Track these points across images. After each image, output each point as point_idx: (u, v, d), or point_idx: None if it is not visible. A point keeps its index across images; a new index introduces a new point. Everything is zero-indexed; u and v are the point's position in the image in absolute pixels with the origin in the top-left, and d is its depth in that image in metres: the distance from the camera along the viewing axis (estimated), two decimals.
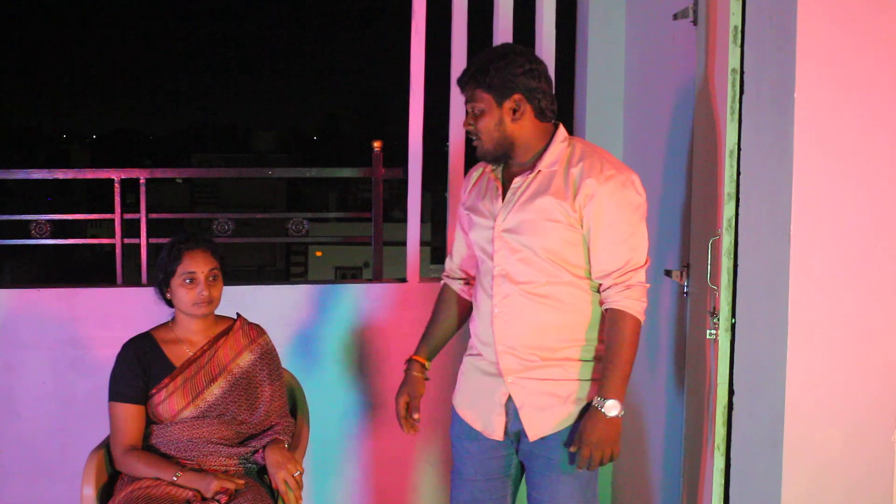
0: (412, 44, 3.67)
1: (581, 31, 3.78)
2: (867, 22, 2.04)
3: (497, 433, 2.47)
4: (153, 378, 2.77)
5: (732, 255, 2.30)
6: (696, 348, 2.73)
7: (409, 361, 2.63)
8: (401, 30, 3.76)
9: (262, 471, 2.77)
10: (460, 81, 2.42)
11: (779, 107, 2.11)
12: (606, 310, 2.37)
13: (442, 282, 2.72)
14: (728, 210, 2.29)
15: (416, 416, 2.57)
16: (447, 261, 2.71)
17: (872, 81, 2.04)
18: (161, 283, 2.80)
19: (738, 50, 2.28)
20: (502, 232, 2.40)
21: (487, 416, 2.47)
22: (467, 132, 2.44)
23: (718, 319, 2.35)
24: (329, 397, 3.76)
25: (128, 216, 4.07)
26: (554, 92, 2.46)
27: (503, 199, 2.42)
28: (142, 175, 4.06)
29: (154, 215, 4.09)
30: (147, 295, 2.90)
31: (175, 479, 2.63)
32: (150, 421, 2.78)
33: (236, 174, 4.86)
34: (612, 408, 2.30)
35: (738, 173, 2.29)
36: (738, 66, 2.28)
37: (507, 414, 2.44)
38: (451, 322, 2.68)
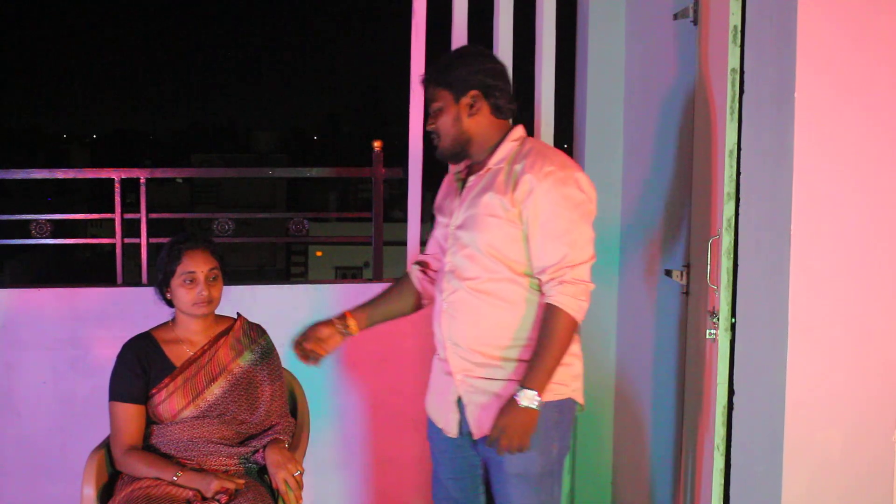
0: (412, 44, 3.67)
1: (581, 31, 3.78)
2: (867, 22, 2.04)
3: (452, 431, 2.50)
4: (153, 378, 2.76)
5: (732, 255, 2.30)
6: (696, 348, 2.73)
7: (341, 314, 2.66)
8: (401, 30, 3.76)
9: (263, 471, 2.77)
10: (423, 83, 2.51)
11: (779, 107, 2.11)
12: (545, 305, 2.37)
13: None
14: (728, 210, 2.29)
15: (313, 360, 2.64)
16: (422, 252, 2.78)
17: (872, 82, 2.04)
18: (161, 283, 2.80)
19: (738, 50, 2.28)
20: (455, 229, 2.45)
21: (445, 414, 2.51)
22: (429, 133, 2.50)
23: (718, 319, 2.35)
24: (329, 397, 3.76)
25: (128, 216, 4.07)
26: (513, 92, 2.49)
27: (460, 197, 2.48)
28: (142, 175, 4.06)
29: (154, 215, 4.09)
30: (147, 295, 2.90)
31: (175, 479, 2.63)
32: (151, 421, 2.78)
33: (236, 174, 4.86)
34: (526, 398, 2.30)
35: (738, 173, 2.29)
36: (738, 66, 2.28)
37: (459, 412, 2.48)
38: (395, 301, 2.70)
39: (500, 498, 2.45)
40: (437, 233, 2.60)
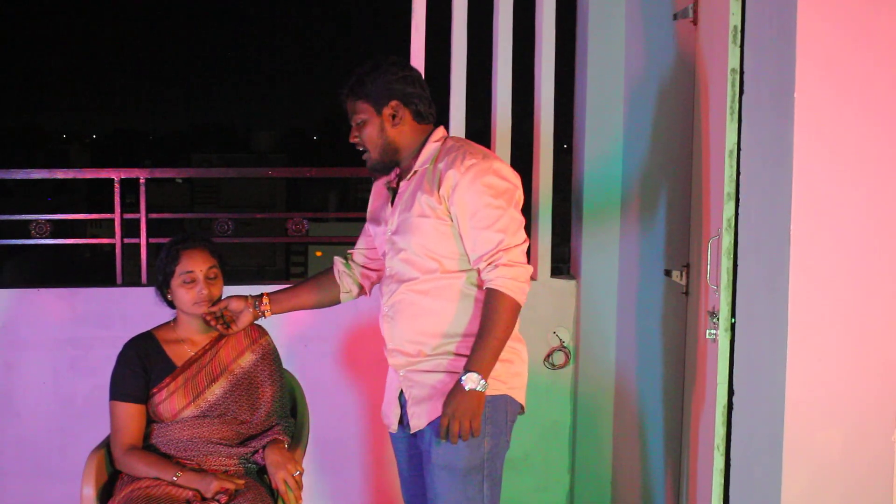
0: (412, 44, 3.67)
1: (581, 31, 3.78)
2: (867, 22, 2.04)
3: (393, 426, 2.60)
4: (154, 377, 2.76)
5: (732, 255, 2.30)
6: (696, 348, 2.73)
7: (258, 297, 2.75)
8: (401, 30, 3.76)
9: (262, 471, 2.77)
10: (341, 97, 2.54)
11: (779, 107, 2.11)
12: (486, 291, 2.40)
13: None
14: (728, 210, 2.29)
15: (216, 309, 2.72)
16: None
17: (872, 81, 2.04)
18: (161, 284, 2.80)
19: (738, 50, 2.28)
20: (391, 235, 2.50)
21: (389, 409, 2.61)
22: (355, 146, 2.53)
23: (718, 319, 2.35)
24: (329, 397, 3.76)
25: (128, 216, 4.06)
26: (429, 96, 2.54)
27: (392, 205, 2.54)
28: (142, 175, 4.05)
29: (154, 215, 4.09)
30: (147, 295, 2.89)
31: (175, 479, 2.63)
32: (151, 420, 2.78)
33: (236, 174, 4.84)
34: (471, 380, 2.34)
35: (738, 173, 2.29)
36: (738, 66, 2.28)
37: (400, 406, 2.56)
38: (312, 292, 2.78)
39: (429, 491, 2.48)
40: (377, 243, 2.63)
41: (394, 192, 2.55)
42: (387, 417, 2.63)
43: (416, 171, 2.48)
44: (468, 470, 2.43)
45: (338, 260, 2.78)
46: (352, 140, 2.53)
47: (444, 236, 2.42)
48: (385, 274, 2.55)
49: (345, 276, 2.76)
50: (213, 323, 2.73)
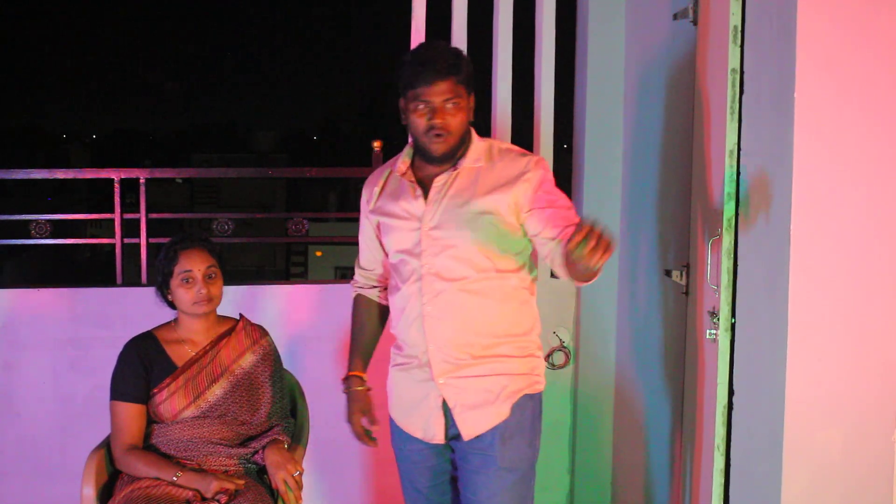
0: (412, 44, 3.67)
1: (581, 31, 3.78)
2: (867, 22, 2.04)
3: (438, 437, 2.45)
4: (155, 377, 2.77)
5: (732, 255, 2.30)
6: (696, 348, 2.73)
7: (349, 378, 2.59)
8: (401, 30, 3.76)
9: (262, 471, 2.77)
10: (437, 74, 2.30)
11: (779, 107, 2.11)
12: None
13: (355, 293, 2.67)
14: (728, 210, 2.29)
15: (375, 427, 2.56)
16: (357, 272, 2.66)
17: (872, 81, 2.05)
18: (161, 285, 2.80)
19: (738, 50, 2.28)
20: (430, 230, 2.38)
21: (426, 421, 2.46)
22: (432, 128, 2.33)
23: (718, 319, 2.35)
24: (329, 397, 3.76)
25: (128, 216, 4.06)
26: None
27: (425, 199, 2.40)
28: (142, 175, 4.05)
29: (154, 215, 4.09)
30: (147, 295, 2.90)
31: (175, 479, 2.63)
32: (151, 420, 2.78)
33: (236, 174, 4.84)
34: None
35: (738, 173, 2.29)
36: (738, 66, 2.28)
37: (444, 416, 2.44)
38: (375, 330, 2.66)
39: (481, 495, 2.41)
40: (392, 238, 2.46)
41: (419, 184, 2.42)
42: (425, 430, 2.47)
43: (463, 167, 2.39)
44: (527, 469, 2.45)
45: (367, 290, 2.64)
46: (440, 122, 2.32)
47: (504, 235, 2.36)
48: (422, 272, 2.39)
49: (377, 293, 2.64)
50: (372, 444, 2.61)
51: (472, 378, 2.40)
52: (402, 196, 2.45)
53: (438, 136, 2.34)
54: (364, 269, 2.63)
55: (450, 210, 2.37)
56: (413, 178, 2.44)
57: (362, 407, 2.57)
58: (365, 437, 2.58)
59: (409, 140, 2.49)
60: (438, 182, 2.40)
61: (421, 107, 2.33)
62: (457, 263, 2.37)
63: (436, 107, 2.33)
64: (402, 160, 2.48)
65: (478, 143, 2.44)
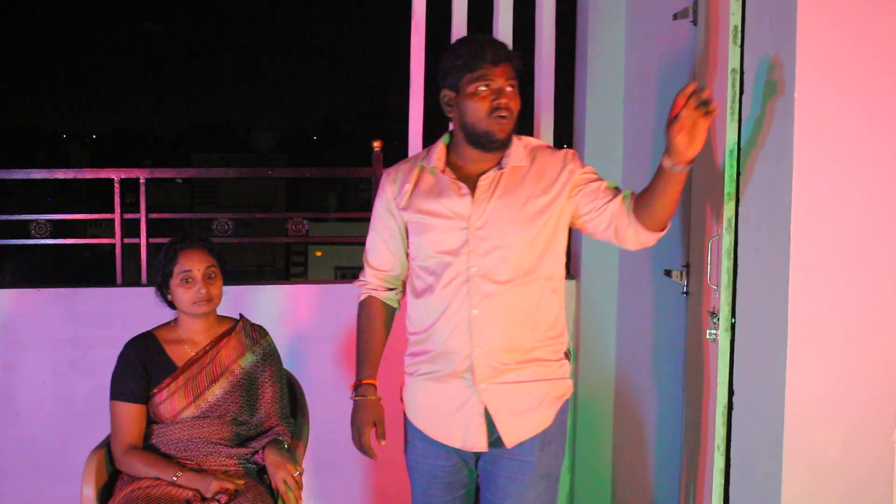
0: (412, 44, 3.67)
1: (581, 31, 3.78)
2: (867, 22, 2.04)
3: (481, 444, 2.35)
4: (155, 377, 2.76)
5: (732, 255, 2.30)
6: (696, 348, 2.73)
7: (362, 387, 2.45)
8: (401, 30, 3.76)
9: (262, 471, 2.77)
10: (500, 55, 2.26)
11: (779, 107, 2.11)
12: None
13: (363, 295, 2.52)
14: (728, 210, 2.29)
15: (382, 442, 2.43)
16: (369, 272, 2.50)
17: (872, 81, 2.04)
18: (160, 285, 2.80)
19: (738, 50, 2.28)
20: (478, 230, 2.30)
21: (466, 430, 2.35)
22: (497, 109, 2.26)
23: (718, 319, 2.35)
24: (329, 397, 3.76)
25: (128, 216, 4.07)
26: None
27: (473, 198, 2.32)
28: (142, 175, 4.06)
29: (154, 215, 4.09)
30: (147, 295, 2.90)
31: (175, 479, 2.63)
32: (151, 420, 2.78)
33: (236, 174, 4.84)
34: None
35: (738, 173, 2.29)
36: (738, 66, 2.28)
37: (486, 423, 2.34)
38: (385, 335, 2.53)
39: (515, 500, 2.37)
40: (431, 238, 2.35)
41: (464, 182, 2.33)
42: (464, 439, 2.35)
43: (508, 167, 2.32)
44: (559, 474, 2.44)
45: (379, 293, 2.50)
46: (505, 102, 2.26)
47: (550, 235, 2.32)
48: (469, 273, 2.30)
49: (392, 296, 2.52)
50: (375, 457, 2.46)
51: (515, 384, 2.33)
52: (443, 194, 2.34)
53: (502, 117, 2.26)
54: (379, 269, 2.49)
55: (498, 210, 2.30)
56: (454, 176, 2.34)
57: (375, 418, 2.44)
58: (371, 449, 2.45)
59: (451, 129, 2.40)
60: (485, 181, 2.32)
61: (483, 89, 2.26)
62: (505, 265, 2.30)
63: (500, 87, 2.27)
64: (436, 156, 2.37)
65: (517, 143, 2.37)
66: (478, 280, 2.30)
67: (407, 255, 2.45)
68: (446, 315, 2.33)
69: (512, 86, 2.28)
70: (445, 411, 2.37)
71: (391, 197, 2.41)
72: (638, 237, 2.28)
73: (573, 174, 2.34)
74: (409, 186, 2.39)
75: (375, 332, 2.51)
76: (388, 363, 2.57)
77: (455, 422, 2.36)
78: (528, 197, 2.31)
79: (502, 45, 2.31)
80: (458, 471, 2.44)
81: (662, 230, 2.27)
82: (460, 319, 2.31)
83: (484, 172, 2.33)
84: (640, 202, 2.25)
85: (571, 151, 2.40)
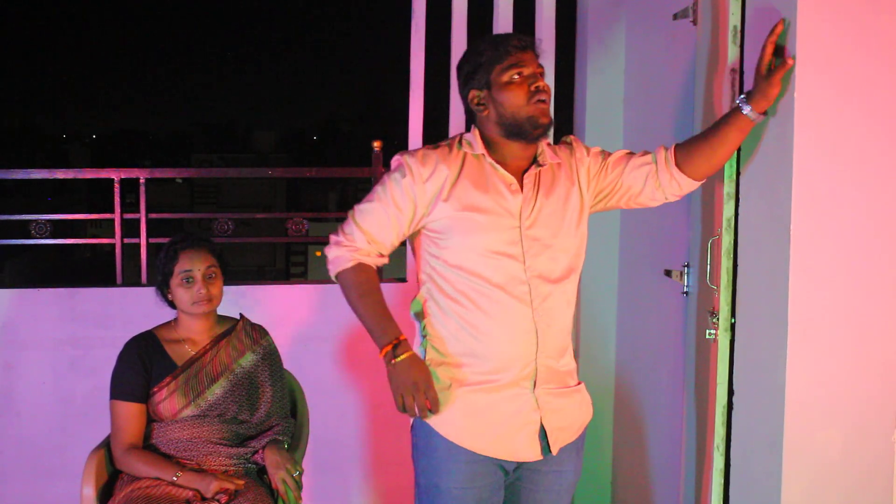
0: (412, 44, 3.67)
1: (581, 31, 3.78)
2: (867, 22, 2.04)
3: (535, 452, 2.23)
4: (155, 377, 2.77)
5: (732, 255, 2.30)
6: (696, 348, 2.73)
7: (400, 344, 2.17)
8: (401, 30, 3.76)
9: (262, 471, 2.77)
10: (530, 42, 2.22)
11: (779, 107, 2.11)
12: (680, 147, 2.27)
13: (352, 261, 2.22)
14: (728, 210, 2.29)
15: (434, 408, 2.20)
16: (360, 237, 2.22)
17: (872, 82, 2.05)
18: (161, 284, 2.81)
19: (738, 50, 2.28)
20: (529, 230, 2.19)
21: (520, 439, 2.22)
22: (537, 91, 2.17)
23: (718, 319, 2.35)
24: (329, 397, 3.76)
25: (128, 216, 4.07)
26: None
27: (522, 195, 2.21)
28: (142, 175, 4.06)
29: (154, 215, 4.10)
30: (147, 295, 2.90)
31: (175, 479, 2.63)
32: (151, 420, 2.78)
33: (236, 174, 4.84)
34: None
35: (738, 173, 2.29)
36: (737, 66, 2.28)
37: (540, 429, 2.23)
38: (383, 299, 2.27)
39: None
40: (481, 239, 2.17)
41: (513, 179, 2.21)
42: (517, 450, 2.22)
43: (546, 165, 2.25)
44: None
45: (371, 258, 2.23)
46: (541, 84, 2.18)
47: (584, 232, 2.29)
48: (526, 275, 2.18)
49: (381, 262, 2.28)
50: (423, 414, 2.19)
51: (564, 388, 2.28)
52: (491, 188, 2.19)
53: (542, 101, 2.17)
54: (375, 240, 2.22)
55: (545, 208, 2.21)
56: (500, 170, 2.20)
57: (427, 372, 2.17)
58: (431, 406, 2.17)
59: (473, 129, 2.26)
60: (529, 178, 2.22)
61: (516, 77, 2.17)
62: (555, 265, 2.22)
63: (533, 72, 2.19)
64: (478, 144, 2.22)
65: (543, 142, 2.29)
66: (536, 281, 2.18)
67: (415, 252, 2.29)
68: (508, 321, 2.18)
69: (541, 73, 2.21)
70: (498, 422, 2.20)
71: (420, 180, 2.18)
72: (682, 189, 2.26)
73: (586, 155, 2.32)
74: (451, 175, 2.19)
75: (379, 290, 2.24)
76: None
77: (508, 433, 2.21)
78: (566, 194, 2.25)
79: (523, 36, 2.24)
80: (499, 489, 2.28)
81: (703, 180, 2.27)
82: (525, 323, 2.19)
83: (526, 170, 2.23)
84: (697, 153, 2.21)
85: (571, 137, 2.37)
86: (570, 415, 2.29)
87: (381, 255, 2.26)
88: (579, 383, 2.36)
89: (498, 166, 2.20)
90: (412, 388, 2.14)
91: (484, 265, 2.17)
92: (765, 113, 2.14)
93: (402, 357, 2.15)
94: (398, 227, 2.21)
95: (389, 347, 2.16)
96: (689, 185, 2.27)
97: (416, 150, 2.25)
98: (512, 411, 2.21)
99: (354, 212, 2.24)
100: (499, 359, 2.19)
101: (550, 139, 2.31)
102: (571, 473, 2.33)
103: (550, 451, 2.25)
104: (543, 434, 2.24)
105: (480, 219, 2.16)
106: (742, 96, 2.15)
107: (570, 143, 2.36)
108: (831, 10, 2.03)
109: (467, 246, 2.17)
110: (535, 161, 2.25)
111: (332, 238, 2.26)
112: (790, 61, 2.05)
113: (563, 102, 3.86)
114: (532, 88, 2.17)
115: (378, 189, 2.23)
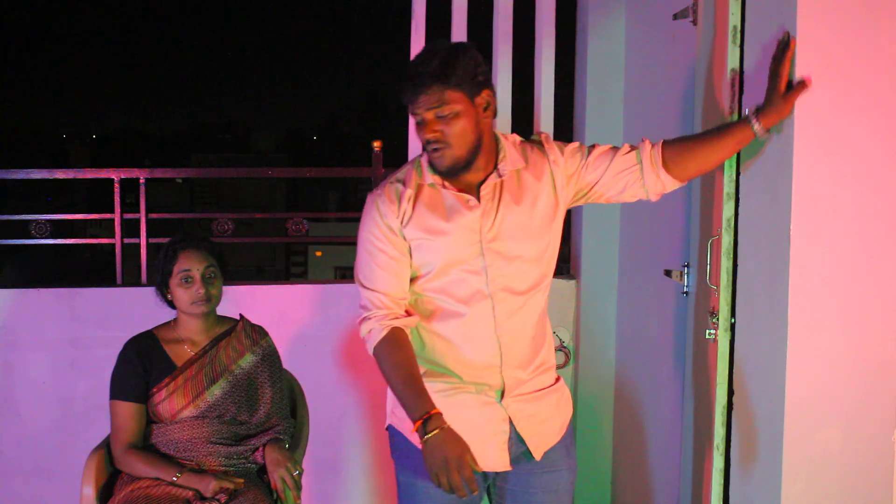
0: (412, 44, 3.67)
1: (581, 31, 3.78)
2: (867, 23, 2.04)
3: (505, 462, 2.24)
4: (154, 377, 2.77)
5: (732, 255, 2.30)
6: (696, 348, 2.73)
7: (433, 418, 2.08)
8: (401, 30, 3.76)
9: (262, 470, 2.77)
10: (418, 84, 2.09)
11: None
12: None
13: (386, 330, 2.18)
14: (727, 210, 2.29)
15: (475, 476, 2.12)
16: (384, 302, 2.20)
17: (871, 82, 2.05)
18: (160, 284, 2.81)
19: (738, 50, 2.28)
20: (490, 243, 2.16)
21: (490, 449, 2.22)
22: (428, 142, 2.12)
23: (718, 319, 2.35)
24: (329, 397, 3.76)
25: (128, 216, 4.07)
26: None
27: (479, 209, 2.17)
28: (142, 175, 4.06)
29: (154, 215, 4.10)
30: (147, 295, 2.90)
31: (175, 479, 2.63)
32: (150, 420, 2.78)
33: (236, 174, 4.85)
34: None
35: (738, 173, 2.29)
36: (737, 66, 2.28)
37: (510, 439, 2.24)
38: (418, 369, 2.21)
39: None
40: (445, 256, 2.17)
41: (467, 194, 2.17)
42: (487, 459, 2.20)
43: (505, 173, 2.18)
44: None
45: (398, 321, 2.19)
46: (431, 136, 2.10)
47: (555, 238, 2.25)
48: (489, 289, 2.17)
49: (411, 321, 2.24)
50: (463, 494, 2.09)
51: (536, 392, 2.27)
52: (449, 208, 2.17)
53: (435, 150, 2.12)
54: (396, 297, 2.21)
55: (507, 218, 2.17)
56: (456, 189, 2.18)
57: (464, 446, 2.08)
58: (474, 479, 2.07)
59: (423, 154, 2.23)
60: (486, 190, 2.18)
61: (417, 122, 2.14)
62: (522, 275, 2.19)
63: (425, 119, 2.11)
64: (428, 173, 2.19)
65: (508, 145, 2.22)
66: (500, 294, 2.18)
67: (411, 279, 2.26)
68: (472, 334, 2.19)
69: (449, 111, 2.09)
70: (465, 431, 2.12)
71: (393, 215, 2.19)
72: (665, 189, 2.23)
73: (557, 164, 2.23)
74: (407, 208, 2.19)
75: (413, 362, 2.19)
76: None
77: (476, 441, 2.15)
78: (534, 198, 2.20)
79: (427, 70, 2.09)
80: (476, 495, 2.24)
81: (687, 182, 2.25)
82: (488, 337, 2.19)
83: (483, 181, 2.19)
84: (689, 156, 2.18)
85: (544, 135, 2.28)
86: (548, 417, 2.29)
87: (409, 312, 2.23)
88: (558, 379, 2.34)
89: (450, 188, 2.18)
90: (444, 465, 2.06)
91: (447, 281, 2.18)
92: (769, 131, 2.13)
93: (432, 434, 2.07)
94: (402, 269, 2.21)
95: (420, 423, 2.10)
96: (673, 185, 2.23)
97: (378, 190, 2.24)
98: (481, 422, 2.22)
99: (358, 279, 2.25)
100: (463, 372, 2.21)
101: (551, 133, 2.29)
102: (566, 471, 2.35)
103: (534, 458, 2.26)
104: (522, 441, 2.26)
105: (440, 240, 2.16)
106: (753, 110, 2.13)
107: (540, 143, 2.27)
108: (831, 11, 2.03)
109: (429, 263, 2.19)
110: (495, 169, 2.20)
111: (359, 317, 2.25)
112: (808, 81, 2.03)
113: (563, 102, 3.86)
114: (423, 141, 2.14)
115: (363, 246, 2.23)
